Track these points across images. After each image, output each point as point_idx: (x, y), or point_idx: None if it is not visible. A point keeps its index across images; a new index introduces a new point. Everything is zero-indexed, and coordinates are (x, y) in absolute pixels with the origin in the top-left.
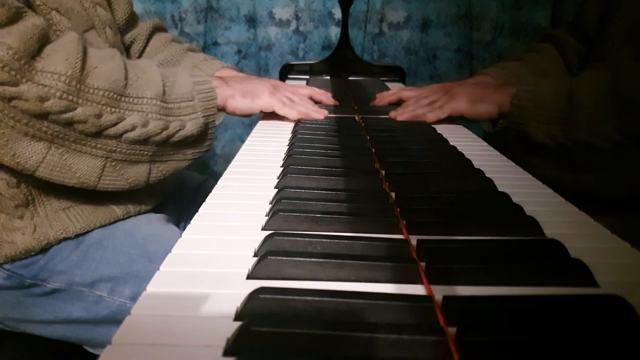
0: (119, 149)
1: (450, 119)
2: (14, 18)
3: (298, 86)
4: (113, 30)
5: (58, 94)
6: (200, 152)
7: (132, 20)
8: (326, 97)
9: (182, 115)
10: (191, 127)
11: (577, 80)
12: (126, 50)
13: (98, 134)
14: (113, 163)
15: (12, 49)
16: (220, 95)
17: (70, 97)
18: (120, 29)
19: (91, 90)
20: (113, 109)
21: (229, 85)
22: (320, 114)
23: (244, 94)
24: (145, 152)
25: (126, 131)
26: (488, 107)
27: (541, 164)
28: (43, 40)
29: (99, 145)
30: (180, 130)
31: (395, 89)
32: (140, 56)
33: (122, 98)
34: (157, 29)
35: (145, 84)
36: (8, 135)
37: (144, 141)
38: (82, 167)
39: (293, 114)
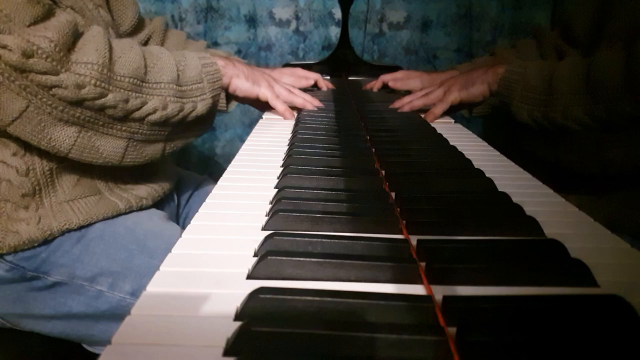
0: (141, 131)
1: (447, 115)
2: (49, 14)
3: (300, 71)
4: (115, 31)
5: (93, 81)
6: (205, 129)
7: (141, 21)
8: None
9: (194, 97)
10: (201, 107)
11: (559, 65)
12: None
13: (125, 117)
14: (134, 143)
15: (53, 42)
16: (226, 73)
17: (103, 85)
18: (128, 32)
19: (119, 78)
20: (137, 95)
21: (235, 66)
22: (311, 104)
23: (247, 76)
24: (163, 132)
25: (149, 114)
26: (480, 87)
27: (526, 141)
28: (76, 34)
29: (124, 128)
30: (192, 111)
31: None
32: None
33: (144, 84)
34: (166, 26)
35: (162, 70)
36: (45, 121)
37: (164, 123)
38: (108, 147)
39: (281, 108)
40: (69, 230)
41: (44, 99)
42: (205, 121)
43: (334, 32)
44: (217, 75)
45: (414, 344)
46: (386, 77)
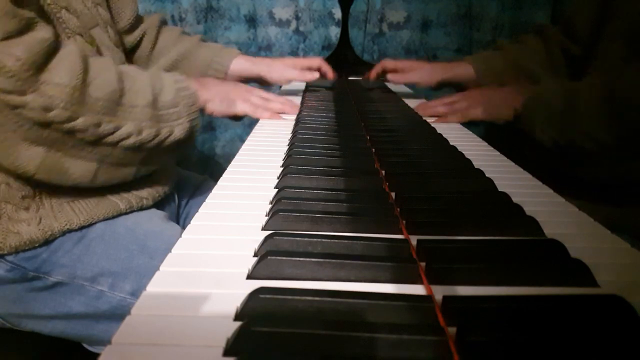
0: (114, 154)
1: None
2: (24, 29)
3: (307, 59)
4: (113, 30)
5: (62, 104)
6: (182, 152)
7: (138, 18)
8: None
9: (170, 121)
10: (179, 132)
11: (579, 87)
12: (136, 45)
13: (96, 141)
14: (106, 166)
15: (20, 60)
16: (200, 97)
17: (73, 107)
18: (126, 29)
19: (92, 100)
20: (111, 118)
21: (208, 89)
22: (294, 109)
23: (221, 99)
24: (138, 156)
25: (122, 139)
26: (505, 113)
27: (531, 151)
28: (50, 53)
29: (95, 151)
30: (170, 135)
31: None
32: (152, 50)
33: (119, 108)
34: (163, 23)
35: (138, 93)
36: (10, 140)
37: (138, 148)
38: (78, 170)
39: (266, 115)
40: (69, 231)
41: (9, 117)
42: (184, 145)
43: (334, 32)
44: (193, 99)
45: (414, 344)
46: (389, 64)
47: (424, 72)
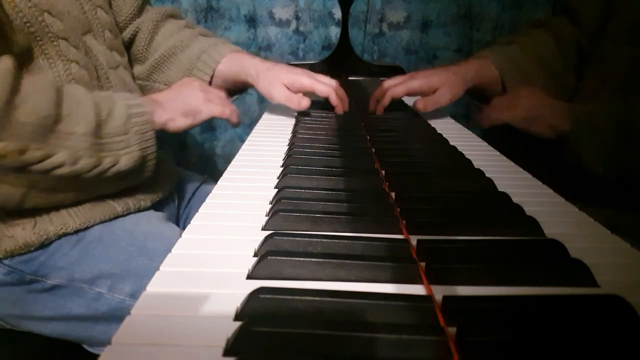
0: (45, 181)
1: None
2: None
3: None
4: (113, 33)
5: None
6: (138, 180)
7: (138, 11)
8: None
9: (116, 150)
10: (126, 161)
11: (633, 111)
12: (132, 40)
13: (21, 169)
14: (36, 191)
15: None
16: (157, 120)
17: None
18: (127, 20)
19: (17, 125)
20: (40, 145)
21: (165, 109)
22: (235, 116)
23: (184, 112)
24: (75, 185)
25: (53, 168)
26: (544, 130)
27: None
28: None
29: (22, 177)
30: (114, 165)
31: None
32: (149, 44)
33: (52, 134)
34: (170, 16)
35: (78, 118)
36: None
37: (74, 178)
38: (1, 193)
39: (234, 117)
40: (65, 234)
41: None
42: (137, 172)
43: (334, 32)
44: (147, 126)
45: (414, 344)
46: (397, 91)
47: (448, 89)
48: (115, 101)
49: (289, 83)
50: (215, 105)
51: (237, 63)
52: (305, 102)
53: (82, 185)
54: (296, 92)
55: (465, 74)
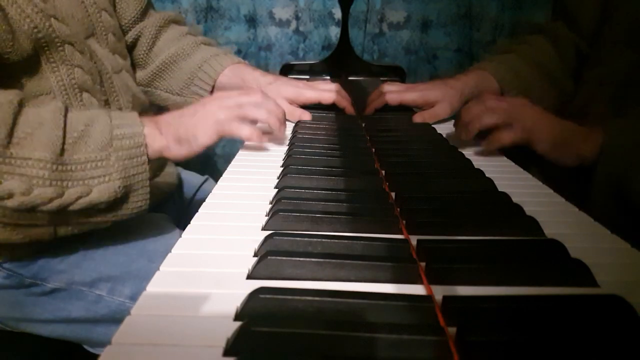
0: (2, 214)
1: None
2: None
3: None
4: (116, 36)
5: None
6: (130, 213)
7: (141, 15)
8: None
9: (86, 179)
10: (99, 193)
11: None
12: (134, 44)
13: None
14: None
15: None
16: (151, 147)
17: None
18: (130, 22)
19: None
20: None
21: (162, 133)
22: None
23: (177, 140)
24: (39, 218)
25: (2, 198)
26: (569, 159)
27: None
28: None
29: None
30: (81, 197)
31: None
32: (150, 49)
33: (1, 159)
34: (173, 22)
35: (37, 142)
36: None
37: (30, 210)
38: None
39: (248, 134)
40: (65, 237)
41: None
42: (124, 205)
43: (334, 32)
44: (136, 150)
45: (414, 344)
46: (392, 98)
47: (448, 104)
48: (98, 120)
49: (292, 97)
50: (242, 125)
51: (239, 76)
52: (306, 117)
53: (51, 220)
54: (301, 105)
55: (463, 87)
